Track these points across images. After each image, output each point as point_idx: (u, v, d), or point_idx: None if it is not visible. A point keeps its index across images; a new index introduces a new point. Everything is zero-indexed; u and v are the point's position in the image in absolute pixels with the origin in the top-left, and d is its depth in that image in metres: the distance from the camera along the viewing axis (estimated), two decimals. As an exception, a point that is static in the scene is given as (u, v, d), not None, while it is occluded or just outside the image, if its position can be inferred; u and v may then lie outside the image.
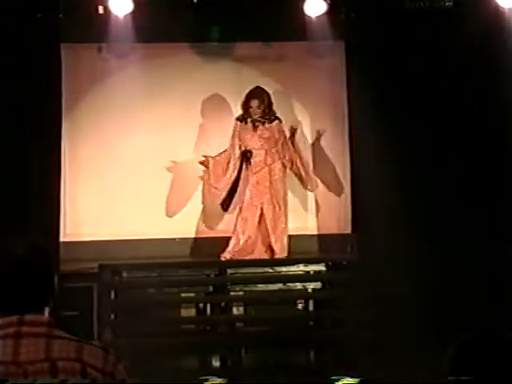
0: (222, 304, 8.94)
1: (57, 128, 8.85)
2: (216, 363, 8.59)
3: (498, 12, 8.67)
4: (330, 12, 8.85)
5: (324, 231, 9.50)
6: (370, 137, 8.99)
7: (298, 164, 8.99)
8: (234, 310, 8.95)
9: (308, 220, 9.52)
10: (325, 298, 9.21)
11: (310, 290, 9.03)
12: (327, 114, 9.64)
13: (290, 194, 9.38)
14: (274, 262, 8.97)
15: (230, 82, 9.26)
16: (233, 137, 8.90)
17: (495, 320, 7.25)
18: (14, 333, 2.65)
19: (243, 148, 8.92)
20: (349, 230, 9.49)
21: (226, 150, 8.95)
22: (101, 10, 8.55)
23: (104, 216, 9.25)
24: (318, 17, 8.84)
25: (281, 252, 8.93)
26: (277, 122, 8.86)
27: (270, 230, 8.88)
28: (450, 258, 8.60)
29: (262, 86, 8.82)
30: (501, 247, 8.70)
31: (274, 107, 9.12)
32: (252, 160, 8.88)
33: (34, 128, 8.62)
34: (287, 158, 8.96)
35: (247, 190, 8.90)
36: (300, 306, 9.02)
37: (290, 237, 9.18)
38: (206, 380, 7.13)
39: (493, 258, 8.65)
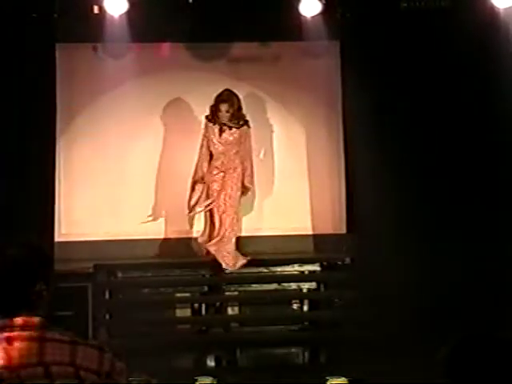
0: (217, 304, 8.94)
1: (52, 128, 8.84)
2: (211, 363, 8.59)
3: (493, 12, 8.68)
4: (326, 12, 8.84)
5: (319, 231, 9.46)
6: (365, 137, 9.02)
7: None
8: (229, 310, 8.94)
9: (303, 220, 9.48)
10: (320, 298, 9.22)
11: (304, 290, 9.04)
12: (322, 114, 9.64)
13: (283, 194, 9.45)
14: (269, 262, 8.96)
15: (227, 82, 9.19)
16: (203, 136, 8.74)
17: (494, 320, 7.25)
18: (6, 336, 2.62)
19: (208, 149, 8.76)
20: (344, 230, 9.47)
21: (199, 152, 8.80)
22: (96, 9, 8.54)
23: (99, 216, 9.22)
24: (313, 17, 8.84)
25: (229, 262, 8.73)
26: (245, 127, 8.66)
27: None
28: (446, 258, 8.59)
29: (232, 89, 8.66)
30: (499, 246, 8.69)
31: (268, 109, 9.19)
32: (212, 163, 8.70)
33: (28, 128, 8.60)
34: (245, 165, 8.73)
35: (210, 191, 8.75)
36: (295, 306, 9.01)
37: (284, 237, 9.24)
38: (197, 380, 7.15)
39: (491, 258, 8.62)
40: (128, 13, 8.53)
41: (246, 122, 8.68)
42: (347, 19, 9.01)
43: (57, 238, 8.90)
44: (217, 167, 8.68)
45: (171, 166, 9.30)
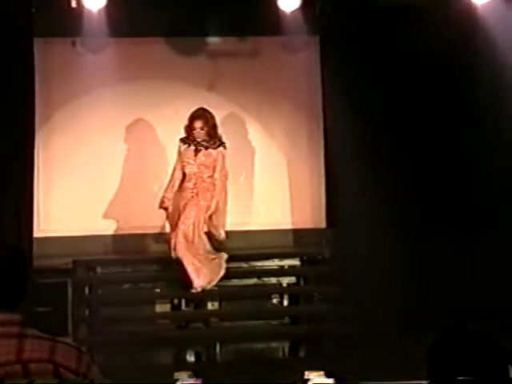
0: (197, 299, 8.87)
1: (30, 123, 8.79)
2: (191, 358, 8.58)
3: (470, 8, 8.73)
4: (305, 7, 8.84)
5: (299, 226, 9.46)
6: (345, 131, 9.03)
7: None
8: (209, 305, 8.89)
9: (283, 215, 9.50)
10: (299, 293, 9.19)
11: (284, 285, 9.03)
12: (302, 109, 9.64)
13: (263, 188, 9.39)
14: (248, 257, 8.96)
15: (205, 76, 9.22)
16: (177, 158, 8.49)
17: (471, 314, 7.26)
18: None
19: (182, 170, 8.52)
20: (323, 225, 9.44)
21: (172, 174, 8.61)
22: (74, 4, 8.49)
23: (78, 211, 9.20)
24: (292, 12, 8.84)
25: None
26: (221, 148, 8.41)
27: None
28: (426, 253, 8.64)
29: (206, 107, 8.47)
30: (479, 242, 8.69)
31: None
32: (184, 184, 8.48)
33: (6, 124, 8.56)
34: (218, 193, 8.51)
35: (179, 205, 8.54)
36: (275, 301, 8.99)
37: (264, 232, 9.23)
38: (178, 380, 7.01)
39: (470, 253, 8.67)
40: (106, 7, 8.52)
41: (223, 144, 8.47)
42: (327, 14, 9.01)
43: (36, 234, 8.88)
44: (189, 188, 8.47)
45: (149, 161, 9.28)
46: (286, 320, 9.06)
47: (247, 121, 9.51)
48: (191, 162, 8.43)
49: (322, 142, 9.51)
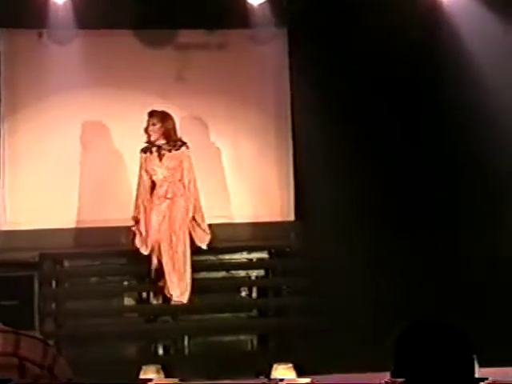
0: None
1: (-5, 116, 8.65)
2: (159, 352, 8.56)
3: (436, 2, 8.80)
4: (273, -1, 8.80)
5: (267, 219, 9.36)
6: (313, 124, 9.01)
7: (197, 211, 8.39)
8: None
9: (251, 207, 9.41)
10: (268, 286, 9.20)
11: (253, 278, 9.05)
12: (270, 102, 9.59)
13: (231, 181, 9.38)
14: (217, 250, 8.90)
15: (172, 69, 9.16)
16: (140, 168, 8.37)
17: (442, 308, 7.31)
18: None
19: (151, 179, 8.38)
20: (292, 218, 9.41)
21: (138, 184, 8.47)
22: (40, -6, 8.39)
23: (45, 204, 9.04)
24: (260, 4, 8.82)
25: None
26: (184, 148, 8.31)
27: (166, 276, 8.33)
28: (395, 246, 8.64)
29: (167, 111, 8.37)
30: (451, 235, 8.73)
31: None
32: (154, 191, 8.33)
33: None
34: (190, 196, 8.37)
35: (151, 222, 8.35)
36: (243, 294, 9.00)
37: (232, 225, 9.20)
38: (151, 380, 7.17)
39: (441, 247, 8.70)
40: (73, -1, 8.39)
41: (184, 144, 8.38)
42: (294, 6, 8.97)
43: (1, 227, 8.84)
44: (161, 196, 8.33)
45: (118, 152, 9.19)
46: (255, 313, 9.08)
47: (215, 114, 9.41)
48: (157, 168, 8.33)
49: (290, 134, 9.48)
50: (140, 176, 8.42)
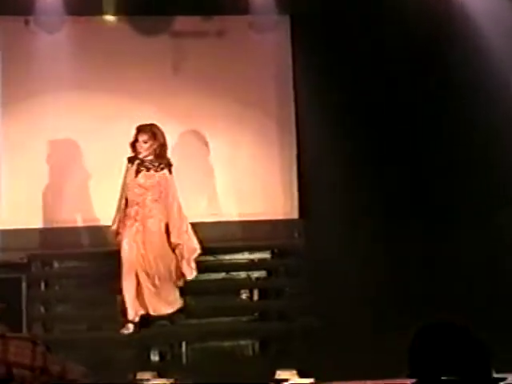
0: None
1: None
2: (155, 357, 8.33)
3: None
4: (275, -16, 8.67)
5: (269, 217, 9.23)
6: (317, 116, 8.92)
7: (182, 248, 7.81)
8: None
9: (252, 205, 9.27)
10: (270, 288, 8.99)
11: (254, 279, 8.89)
12: (272, 94, 9.45)
13: (231, 178, 9.22)
14: (216, 250, 8.74)
15: (168, 57, 8.97)
16: (123, 178, 7.82)
17: (445, 308, 6.78)
18: None
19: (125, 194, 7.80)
20: (296, 216, 9.27)
21: (120, 196, 7.94)
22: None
23: (34, 203, 8.93)
24: (261, -10, 8.64)
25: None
26: (165, 172, 7.68)
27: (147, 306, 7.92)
28: (402, 246, 8.55)
29: (158, 125, 7.85)
30: (453, 235, 8.65)
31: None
32: (126, 210, 7.69)
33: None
34: (169, 222, 7.76)
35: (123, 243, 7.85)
36: (244, 296, 8.83)
37: (232, 223, 9.11)
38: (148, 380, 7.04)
39: (446, 247, 8.61)
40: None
41: (169, 167, 7.79)
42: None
43: (-12, 227, 8.68)
44: (130, 217, 7.75)
45: (109, 149, 8.87)
46: (256, 316, 8.80)
47: (214, 106, 9.20)
48: (131, 184, 7.74)
49: (293, 128, 9.37)
50: (122, 187, 7.86)
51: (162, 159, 7.75)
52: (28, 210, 8.87)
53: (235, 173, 9.30)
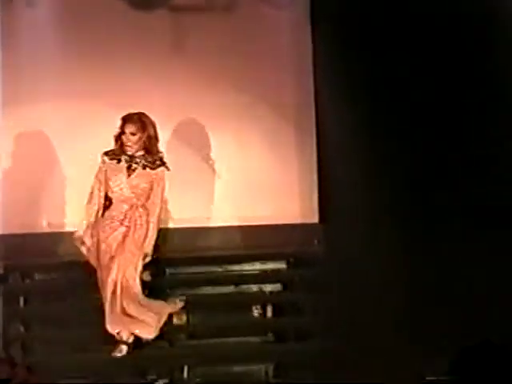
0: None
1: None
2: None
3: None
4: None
5: (285, 221, 8.79)
6: (340, 104, 8.48)
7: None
8: (174, 319, 8.11)
9: (265, 207, 8.87)
10: (286, 303, 8.52)
11: (267, 293, 8.48)
12: (287, 81, 8.95)
13: (241, 175, 8.80)
14: (224, 260, 8.42)
15: (166, 35, 8.61)
16: (96, 176, 7.24)
17: (480, 320, 7.02)
18: None
19: (106, 193, 7.21)
20: (316, 220, 8.84)
21: (90, 197, 7.27)
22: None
23: (14, 205, 8.45)
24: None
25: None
26: (162, 169, 7.20)
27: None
28: (436, 254, 8.02)
29: (145, 113, 7.27)
30: (490, 236, 8.08)
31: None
32: (107, 212, 7.20)
33: None
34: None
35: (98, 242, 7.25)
36: (256, 313, 8.40)
37: (242, 228, 8.75)
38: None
39: (477, 249, 8.01)
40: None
41: (164, 164, 7.22)
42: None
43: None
44: (116, 219, 7.14)
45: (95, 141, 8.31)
46: (270, 336, 8.33)
47: (219, 93, 8.75)
48: (121, 184, 7.11)
49: (313, 119, 8.87)
50: (93, 187, 7.21)
51: (154, 154, 7.16)
52: (7, 213, 8.45)
53: (244, 170, 8.92)
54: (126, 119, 7.01)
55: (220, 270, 8.42)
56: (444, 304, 7.77)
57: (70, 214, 8.41)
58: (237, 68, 8.76)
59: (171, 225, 8.45)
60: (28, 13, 8.44)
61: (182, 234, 8.41)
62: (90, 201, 7.19)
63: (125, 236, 7.19)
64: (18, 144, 8.65)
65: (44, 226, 8.45)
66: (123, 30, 8.62)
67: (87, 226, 7.16)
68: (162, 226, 8.06)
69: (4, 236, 8.24)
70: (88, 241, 7.16)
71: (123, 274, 7.19)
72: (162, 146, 7.86)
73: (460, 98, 8.41)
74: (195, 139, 8.65)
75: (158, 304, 7.56)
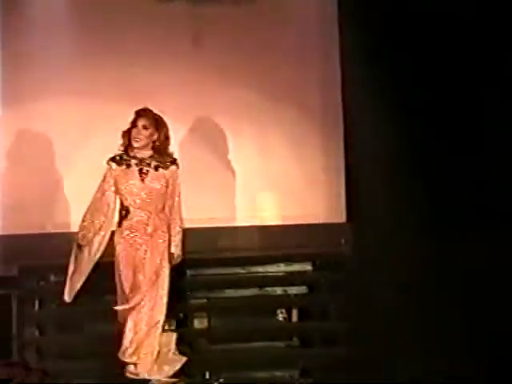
0: (181, 315, 8.08)
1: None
2: (172, 391, 8.01)
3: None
4: None
5: (310, 220, 8.72)
6: (367, 103, 8.36)
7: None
8: (196, 323, 8.15)
9: (290, 206, 8.83)
10: (312, 306, 8.45)
11: (292, 296, 8.38)
12: (314, 76, 8.87)
13: (264, 173, 8.71)
14: (247, 261, 8.32)
15: (186, 29, 8.49)
16: (102, 183, 6.79)
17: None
18: None
19: (118, 203, 6.79)
20: (343, 219, 8.80)
21: (96, 205, 6.79)
22: None
23: (29, 203, 8.40)
24: None
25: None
26: (174, 167, 6.81)
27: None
28: (464, 255, 7.84)
29: (162, 116, 6.87)
30: None
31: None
32: (125, 222, 6.74)
33: None
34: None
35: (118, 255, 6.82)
36: (280, 317, 8.35)
37: (266, 228, 8.69)
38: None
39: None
40: None
41: (175, 161, 6.83)
42: None
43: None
44: (136, 230, 6.71)
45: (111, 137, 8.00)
46: (295, 341, 8.27)
47: (242, 90, 8.64)
48: (135, 189, 6.68)
49: (340, 118, 8.78)
50: (101, 195, 6.71)
51: (165, 155, 6.74)
52: (22, 211, 8.41)
53: (268, 168, 8.82)
54: (141, 112, 6.67)
55: (243, 271, 8.30)
56: (472, 306, 7.61)
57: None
58: (259, 65, 8.66)
59: (192, 225, 8.06)
60: (40, 3, 8.43)
61: (203, 234, 8.28)
62: (96, 211, 6.70)
63: (150, 247, 6.79)
64: (31, 144, 8.61)
65: (58, 226, 8.38)
66: (141, 22, 8.54)
67: (85, 237, 6.72)
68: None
69: (18, 237, 8.20)
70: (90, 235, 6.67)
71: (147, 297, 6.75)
72: (181, 145, 7.92)
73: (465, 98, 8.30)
74: (217, 139, 8.54)
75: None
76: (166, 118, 6.84)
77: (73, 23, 8.40)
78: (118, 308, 6.74)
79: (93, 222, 6.65)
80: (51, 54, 8.40)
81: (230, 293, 8.17)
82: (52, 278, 8.04)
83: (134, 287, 6.64)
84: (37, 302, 7.92)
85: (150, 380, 6.58)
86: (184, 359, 7.04)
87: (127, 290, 6.67)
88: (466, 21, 8.14)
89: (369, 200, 8.42)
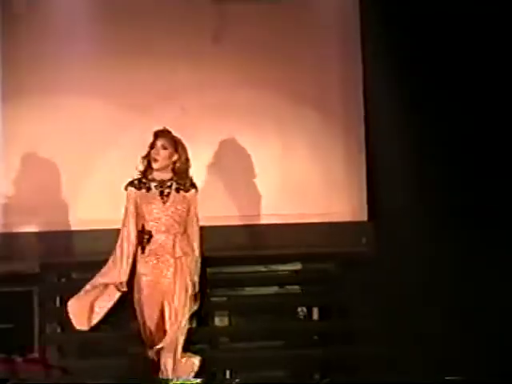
0: (202, 313, 7.67)
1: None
2: (195, 388, 8.06)
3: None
4: None
5: (332, 219, 8.62)
6: (389, 101, 8.32)
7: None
8: (216, 321, 8.28)
9: (312, 204, 8.67)
10: (333, 305, 8.50)
11: (313, 294, 8.46)
12: (336, 74, 8.79)
13: (288, 171, 8.64)
14: (267, 259, 8.35)
15: (207, 25, 8.42)
16: (126, 212, 6.51)
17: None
18: None
19: (143, 226, 6.56)
20: (364, 218, 8.70)
21: (125, 237, 6.54)
22: None
23: (47, 201, 8.37)
24: None
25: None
26: (194, 191, 6.58)
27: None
28: (488, 254, 7.81)
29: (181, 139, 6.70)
30: None
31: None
32: (148, 247, 6.45)
33: None
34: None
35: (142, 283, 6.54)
36: (301, 315, 8.45)
37: (287, 226, 8.49)
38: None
39: None
40: None
41: (194, 185, 6.63)
42: None
43: (-3, 230, 8.34)
44: (162, 254, 6.46)
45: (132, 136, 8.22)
46: (316, 339, 8.35)
47: (267, 86, 8.56)
48: (158, 212, 6.47)
49: (361, 117, 8.68)
50: (126, 223, 6.48)
51: (184, 178, 6.53)
52: (41, 209, 8.32)
53: (291, 166, 8.74)
54: (159, 133, 6.49)
55: (263, 269, 8.32)
56: (495, 306, 7.59)
57: (106, 211, 8.10)
58: (280, 64, 8.58)
59: (213, 223, 8.03)
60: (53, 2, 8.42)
61: (223, 232, 8.18)
62: (122, 244, 6.47)
63: (179, 271, 6.50)
64: (53, 142, 8.50)
65: (80, 224, 8.34)
66: (160, 17, 8.49)
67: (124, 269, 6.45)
68: (203, 223, 7.38)
69: (40, 234, 8.15)
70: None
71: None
72: (203, 144, 7.95)
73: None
74: (238, 138, 8.46)
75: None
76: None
77: (89, 24, 8.35)
78: (151, 355, 6.42)
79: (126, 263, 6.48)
80: (68, 54, 8.35)
81: (251, 291, 8.18)
82: (73, 275, 8.08)
83: (159, 328, 6.38)
84: (58, 299, 7.90)
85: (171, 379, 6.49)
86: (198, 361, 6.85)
87: (153, 331, 6.43)
88: (494, 16, 8.03)
89: (390, 199, 8.34)
